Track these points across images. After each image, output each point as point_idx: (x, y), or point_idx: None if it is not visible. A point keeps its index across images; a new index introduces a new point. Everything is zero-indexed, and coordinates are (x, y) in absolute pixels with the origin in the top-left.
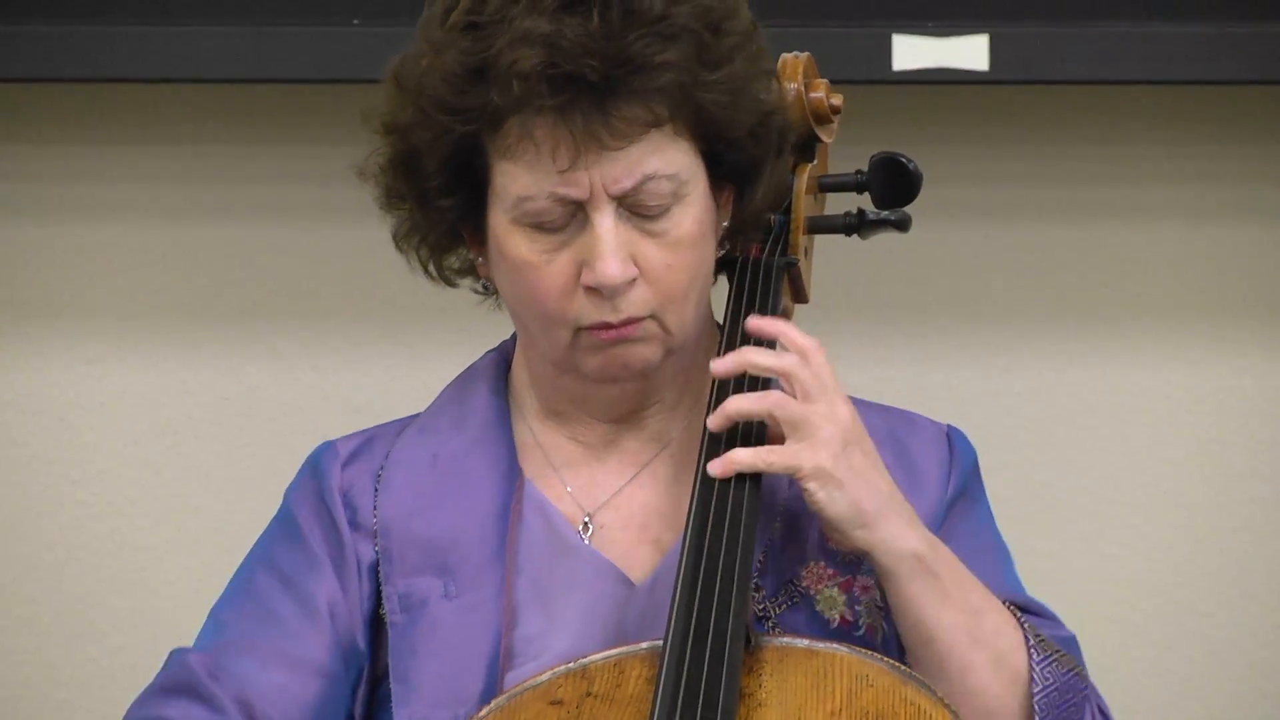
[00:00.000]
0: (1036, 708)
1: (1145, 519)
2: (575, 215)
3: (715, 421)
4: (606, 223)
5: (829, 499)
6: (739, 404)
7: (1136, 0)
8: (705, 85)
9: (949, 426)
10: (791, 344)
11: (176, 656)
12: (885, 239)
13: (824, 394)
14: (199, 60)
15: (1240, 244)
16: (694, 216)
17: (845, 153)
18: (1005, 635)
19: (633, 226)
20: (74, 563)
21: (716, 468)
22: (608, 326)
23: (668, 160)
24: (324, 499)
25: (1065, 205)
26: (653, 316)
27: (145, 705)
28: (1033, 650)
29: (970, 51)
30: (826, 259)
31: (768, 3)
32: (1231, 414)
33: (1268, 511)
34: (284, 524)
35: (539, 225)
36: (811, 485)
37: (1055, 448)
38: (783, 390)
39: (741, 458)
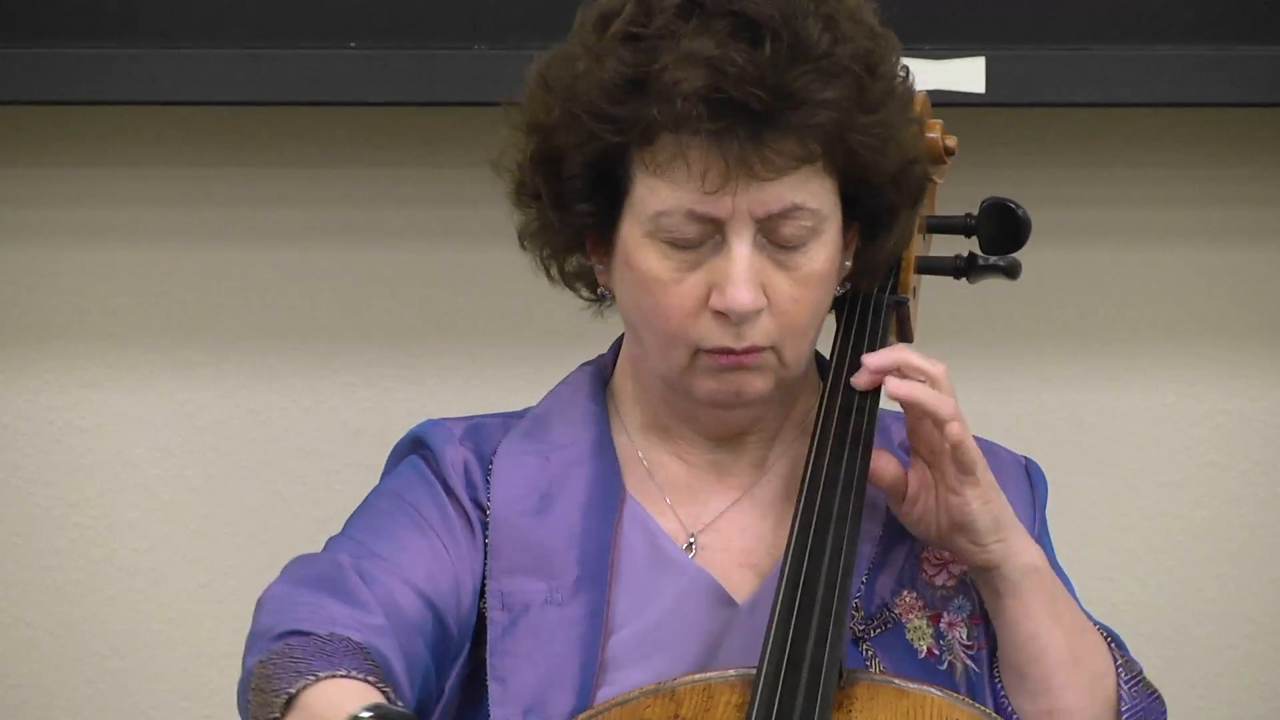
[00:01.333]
0: None
1: (1143, 541)
2: (712, 237)
3: (873, 381)
4: (744, 248)
5: (982, 508)
6: (917, 390)
7: (1133, 23)
8: (859, 128)
9: (1026, 459)
10: (918, 369)
11: (324, 555)
12: None
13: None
14: (197, 83)
15: (1237, 266)
16: (826, 254)
17: None
18: (1100, 656)
19: (767, 257)
20: (72, 585)
21: (899, 389)
22: (729, 352)
23: (813, 195)
24: (439, 469)
25: (1062, 227)
26: (772, 348)
27: (297, 599)
28: (1120, 670)
29: (967, 74)
30: None
31: None
32: (1230, 436)
33: (1266, 534)
34: (402, 483)
35: (673, 242)
36: (969, 493)
37: (1052, 470)
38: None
39: (929, 400)
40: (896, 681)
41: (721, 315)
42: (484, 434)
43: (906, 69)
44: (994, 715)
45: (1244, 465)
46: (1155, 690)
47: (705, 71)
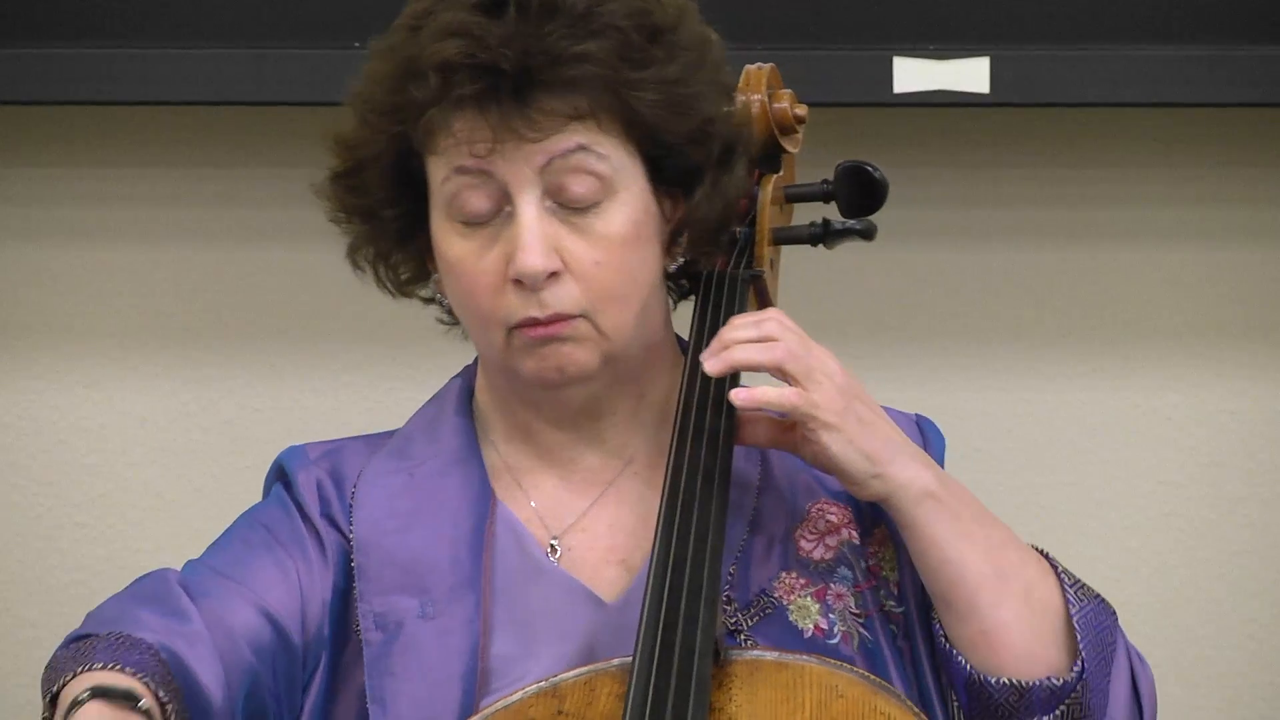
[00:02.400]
0: (1077, 627)
1: (1144, 542)
2: (503, 209)
3: (716, 365)
4: (530, 210)
5: (841, 449)
6: (745, 353)
7: (1135, 24)
8: (631, 84)
9: (917, 415)
10: (750, 332)
11: (157, 572)
12: (904, 264)
13: (809, 352)
14: (200, 83)
15: (1239, 266)
16: (626, 214)
17: None
18: (1031, 564)
19: (560, 221)
20: (75, 585)
21: (742, 397)
22: (535, 323)
23: (594, 143)
24: (293, 493)
25: (1066, 226)
26: (584, 316)
27: (114, 606)
28: (1062, 576)
29: (971, 74)
30: (829, 278)
31: (769, 26)
32: (1231, 436)
33: (1269, 534)
34: (258, 508)
35: (467, 220)
36: (824, 436)
37: (1053, 469)
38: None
39: (767, 394)
40: (774, 655)
41: (521, 285)
42: (342, 456)
43: (708, 35)
44: (876, 679)
45: (1247, 465)
46: (1099, 595)
47: (457, 41)
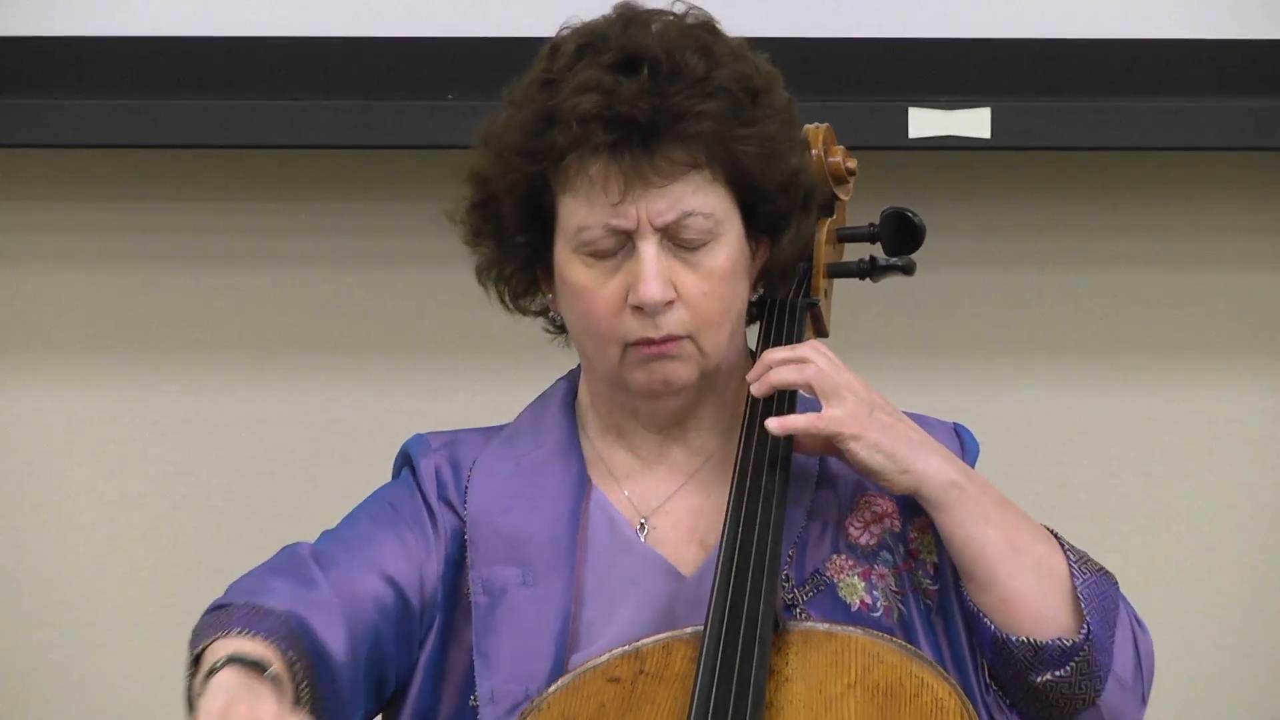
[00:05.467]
0: (1080, 595)
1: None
2: (625, 245)
3: (759, 388)
4: (650, 250)
5: (867, 454)
6: (782, 374)
7: (1119, 79)
8: (739, 139)
9: (955, 424)
10: (786, 354)
11: (289, 547)
12: (918, 286)
13: (839, 372)
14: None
15: (1210, 288)
16: (727, 254)
17: (868, 208)
18: (1042, 541)
19: (674, 256)
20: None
21: (775, 425)
22: (650, 342)
23: (704, 200)
24: (416, 477)
25: (1058, 253)
26: (690, 337)
27: (251, 578)
28: (1069, 553)
29: (975, 122)
30: (866, 303)
31: (805, 79)
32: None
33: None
34: (387, 488)
35: (594, 253)
36: (851, 445)
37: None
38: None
39: (796, 421)
40: (825, 626)
41: (639, 310)
42: (460, 445)
43: (791, 99)
44: (912, 648)
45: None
46: (1102, 566)
47: (596, 96)
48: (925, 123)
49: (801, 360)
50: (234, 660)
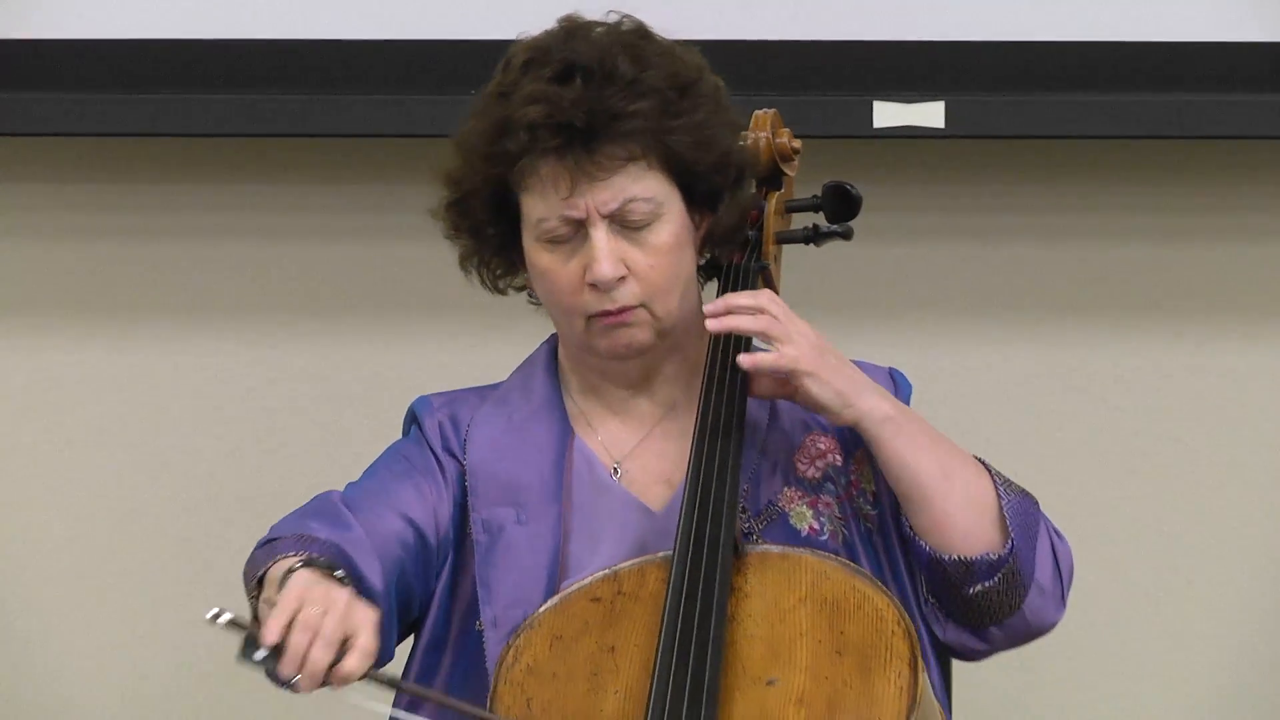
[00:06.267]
0: (1006, 513)
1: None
2: (579, 231)
3: (715, 324)
4: (600, 235)
5: (819, 390)
6: (738, 320)
7: (1060, 75)
8: (670, 130)
9: (890, 368)
10: (747, 301)
11: (322, 494)
12: (880, 255)
13: (792, 321)
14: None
15: (1133, 260)
16: (670, 230)
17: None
18: (971, 467)
19: (622, 237)
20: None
21: (745, 361)
22: (608, 314)
23: (645, 187)
24: (424, 433)
25: (1004, 230)
26: (643, 305)
27: (289, 522)
28: (995, 476)
29: (931, 113)
30: (821, 272)
31: (782, 76)
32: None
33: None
34: (400, 443)
35: (553, 240)
36: (806, 381)
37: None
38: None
39: (764, 359)
40: (778, 549)
41: (595, 287)
42: (458, 404)
43: (720, 85)
44: (854, 565)
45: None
46: (1024, 489)
47: (540, 106)
48: (887, 115)
49: (759, 309)
50: (308, 563)
